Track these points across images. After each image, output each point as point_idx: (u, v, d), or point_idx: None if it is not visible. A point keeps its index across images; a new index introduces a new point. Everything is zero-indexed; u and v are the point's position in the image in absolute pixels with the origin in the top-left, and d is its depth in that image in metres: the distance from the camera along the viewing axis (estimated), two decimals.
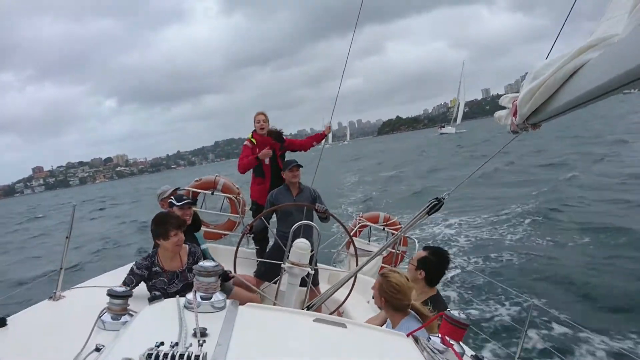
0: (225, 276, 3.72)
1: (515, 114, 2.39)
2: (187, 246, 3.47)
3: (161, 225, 3.25)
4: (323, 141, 6.18)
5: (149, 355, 1.36)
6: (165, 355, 1.35)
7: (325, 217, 4.94)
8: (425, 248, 3.59)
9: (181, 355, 1.35)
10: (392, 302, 2.77)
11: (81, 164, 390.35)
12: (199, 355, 1.36)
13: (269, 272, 4.67)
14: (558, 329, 5.88)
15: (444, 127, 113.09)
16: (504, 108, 2.74)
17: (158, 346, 1.40)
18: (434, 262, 3.39)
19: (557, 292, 7.22)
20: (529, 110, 2.19)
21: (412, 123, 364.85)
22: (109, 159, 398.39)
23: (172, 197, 4.52)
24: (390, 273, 2.87)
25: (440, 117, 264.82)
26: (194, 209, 4.77)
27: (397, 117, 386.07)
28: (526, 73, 2.21)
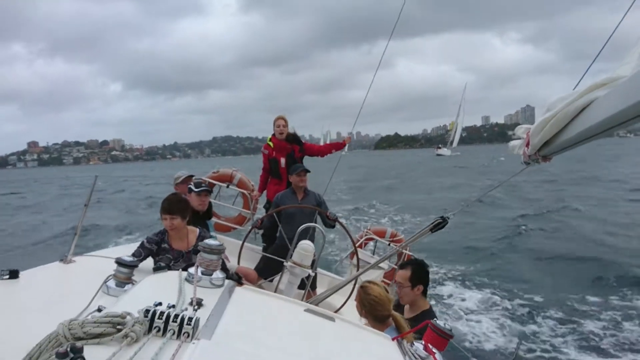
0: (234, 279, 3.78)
1: (528, 145, 2.47)
2: (197, 230, 3.58)
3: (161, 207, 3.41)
4: (343, 149, 6.31)
5: (147, 311, 1.46)
6: (162, 313, 1.45)
7: (333, 224, 5.01)
8: (403, 266, 3.51)
9: (176, 315, 1.45)
10: (372, 313, 2.82)
11: (77, 143, 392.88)
12: (192, 318, 1.45)
13: (268, 269, 4.73)
14: None
15: (440, 148, 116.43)
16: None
17: (156, 305, 1.51)
18: (424, 272, 3.43)
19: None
20: (541, 141, 2.26)
21: (410, 141, 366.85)
22: (105, 142, 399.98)
23: (191, 182, 4.64)
24: (369, 285, 2.92)
25: (437, 139, 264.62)
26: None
27: (396, 133, 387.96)
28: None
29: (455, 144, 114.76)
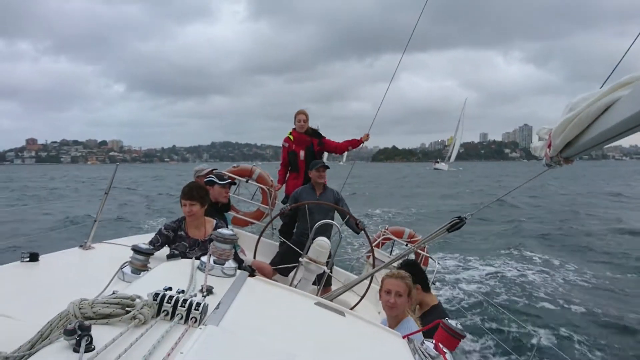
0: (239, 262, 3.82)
1: (550, 146, 2.41)
2: (214, 221, 3.62)
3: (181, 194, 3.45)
4: (360, 146, 6.31)
5: (156, 294, 1.48)
6: (171, 297, 1.47)
7: (359, 232, 5.03)
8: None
9: (184, 300, 1.46)
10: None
11: (75, 142, 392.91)
12: (200, 304, 1.47)
13: (284, 264, 4.75)
14: None
15: (438, 162, 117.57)
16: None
17: (166, 290, 1.53)
18: (417, 270, 3.43)
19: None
20: (563, 142, 2.20)
21: (407, 155, 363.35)
22: (103, 142, 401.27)
23: (211, 175, 4.68)
24: (393, 272, 3.00)
25: (435, 153, 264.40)
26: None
27: (394, 146, 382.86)
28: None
29: (452, 159, 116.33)
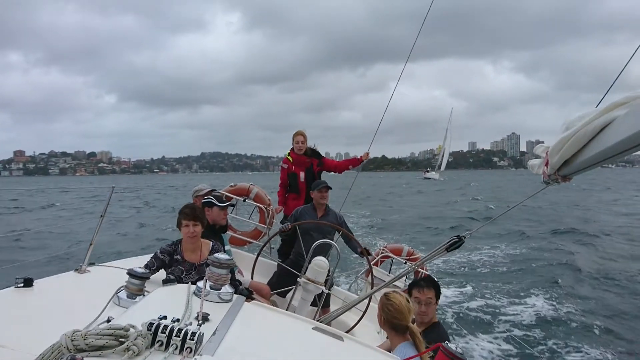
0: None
1: (547, 164, 2.40)
2: (210, 243, 3.58)
3: (179, 215, 3.41)
4: (359, 166, 6.28)
5: (151, 324, 1.45)
6: (165, 327, 1.44)
7: (362, 256, 4.99)
8: (422, 285, 3.46)
9: (179, 330, 1.43)
10: (390, 322, 2.76)
11: (64, 154, 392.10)
12: (195, 333, 1.43)
13: (282, 284, 4.69)
14: None
15: (428, 171, 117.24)
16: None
17: (160, 319, 1.50)
18: (439, 287, 3.43)
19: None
20: (560, 160, 2.20)
21: (396, 164, 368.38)
22: (92, 154, 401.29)
23: (210, 196, 4.62)
24: (391, 293, 2.87)
25: (424, 163, 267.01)
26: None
27: (383, 156, 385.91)
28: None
29: (443, 167, 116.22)
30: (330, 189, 5.14)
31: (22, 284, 2.80)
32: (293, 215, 5.19)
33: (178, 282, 2.84)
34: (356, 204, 29.65)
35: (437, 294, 3.41)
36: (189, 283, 2.12)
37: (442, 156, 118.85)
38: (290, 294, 4.49)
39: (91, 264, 3.55)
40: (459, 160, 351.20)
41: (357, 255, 5.15)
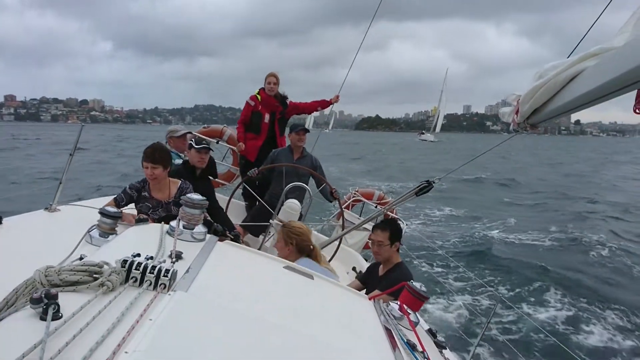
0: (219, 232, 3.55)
1: (517, 113, 2.45)
2: (179, 182, 3.55)
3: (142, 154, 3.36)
4: (329, 108, 6.31)
5: (125, 261, 1.47)
6: (139, 264, 1.46)
7: (332, 200, 5.10)
8: (379, 227, 3.55)
9: (153, 267, 1.46)
10: (300, 245, 3.08)
11: (56, 100, 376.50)
12: (169, 270, 1.46)
13: (255, 225, 4.77)
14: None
15: (423, 133, 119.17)
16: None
17: (134, 256, 1.51)
18: (400, 230, 3.53)
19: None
20: (530, 109, 2.25)
21: (390, 124, 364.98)
22: (84, 101, 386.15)
23: (192, 139, 4.48)
24: (289, 222, 3.28)
25: (418, 124, 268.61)
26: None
27: (377, 115, 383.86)
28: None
29: (438, 129, 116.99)
30: (308, 131, 5.15)
31: None
32: (270, 157, 5.18)
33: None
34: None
35: (394, 236, 3.45)
36: (162, 222, 2.13)
37: (437, 118, 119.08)
38: (263, 235, 4.58)
39: (61, 203, 3.51)
40: (453, 123, 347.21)
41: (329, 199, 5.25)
